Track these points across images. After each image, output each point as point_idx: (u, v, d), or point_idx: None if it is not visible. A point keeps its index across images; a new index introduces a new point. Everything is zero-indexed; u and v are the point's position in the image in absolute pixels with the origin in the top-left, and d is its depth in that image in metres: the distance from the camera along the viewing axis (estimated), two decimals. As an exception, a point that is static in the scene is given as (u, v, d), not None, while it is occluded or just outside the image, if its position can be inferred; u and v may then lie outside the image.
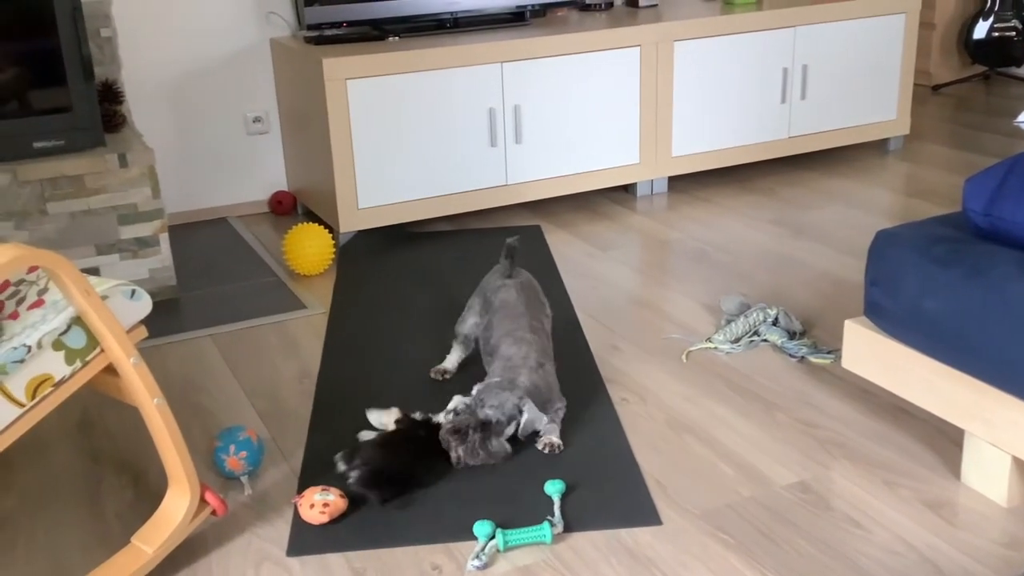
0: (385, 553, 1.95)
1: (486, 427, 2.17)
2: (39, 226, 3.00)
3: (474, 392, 2.26)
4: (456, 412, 2.23)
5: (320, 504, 2.00)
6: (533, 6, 3.94)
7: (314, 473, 2.21)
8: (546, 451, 2.24)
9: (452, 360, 2.61)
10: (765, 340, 2.74)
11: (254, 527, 2.05)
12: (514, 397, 2.22)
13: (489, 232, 3.69)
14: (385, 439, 2.22)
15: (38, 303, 1.83)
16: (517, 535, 1.94)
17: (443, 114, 3.57)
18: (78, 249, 3.05)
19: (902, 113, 4.41)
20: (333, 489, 2.05)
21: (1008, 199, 1.94)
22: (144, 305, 1.88)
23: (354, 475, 2.09)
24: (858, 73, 4.25)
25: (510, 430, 2.21)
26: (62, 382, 1.76)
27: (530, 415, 2.22)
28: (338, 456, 2.19)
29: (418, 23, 3.82)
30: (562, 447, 2.25)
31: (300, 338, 2.91)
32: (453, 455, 2.17)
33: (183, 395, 2.60)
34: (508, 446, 2.20)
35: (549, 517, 2.01)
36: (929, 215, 3.38)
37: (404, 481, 2.10)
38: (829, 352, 2.65)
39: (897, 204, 3.81)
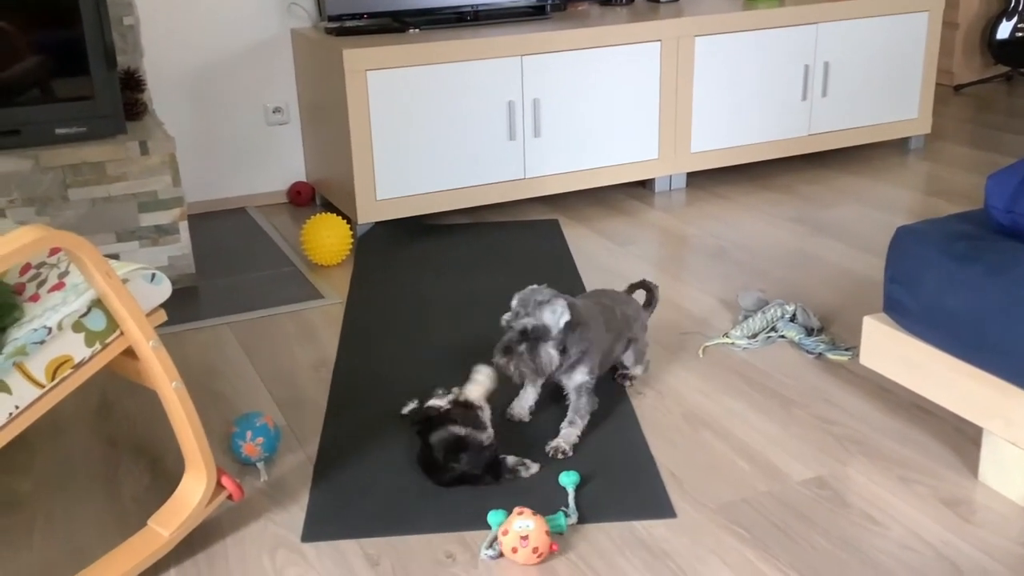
0: (399, 541, 1.95)
1: (526, 335, 2.16)
2: (60, 212, 3.01)
3: (514, 303, 2.23)
4: (504, 326, 2.22)
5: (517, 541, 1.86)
6: (553, 0, 3.93)
7: (330, 461, 2.22)
8: (550, 454, 2.21)
9: None
10: (782, 336, 2.73)
11: (269, 513, 2.06)
12: (547, 300, 2.18)
13: (507, 225, 3.69)
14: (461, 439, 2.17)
15: (59, 286, 1.84)
16: (531, 525, 1.94)
17: (462, 107, 3.57)
18: (98, 236, 3.07)
19: (923, 112, 4.39)
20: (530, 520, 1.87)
21: (1031, 196, 1.93)
22: (164, 289, 1.89)
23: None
24: (880, 71, 4.23)
25: (555, 332, 2.19)
26: (81, 364, 1.77)
27: (561, 312, 2.18)
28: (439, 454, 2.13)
29: (438, 15, 3.82)
30: (568, 453, 2.21)
31: (317, 327, 2.91)
32: (514, 374, 2.19)
33: (201, 382, 2.61)
34: (555, 355, 2.19)
35: (563, 508, 2.00)
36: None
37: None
38: (847, 349, 2.64)
39: (917, 203, 3.79)
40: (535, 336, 2.17)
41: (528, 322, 2.17)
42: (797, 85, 4.07)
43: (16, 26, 2.97)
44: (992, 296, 1.88)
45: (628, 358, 2.50)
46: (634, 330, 2.48)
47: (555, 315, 2.18)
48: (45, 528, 2.03)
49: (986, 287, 1.89)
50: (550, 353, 2.19)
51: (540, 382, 2.37)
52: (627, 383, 2.51)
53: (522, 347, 2.17)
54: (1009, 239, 1.98)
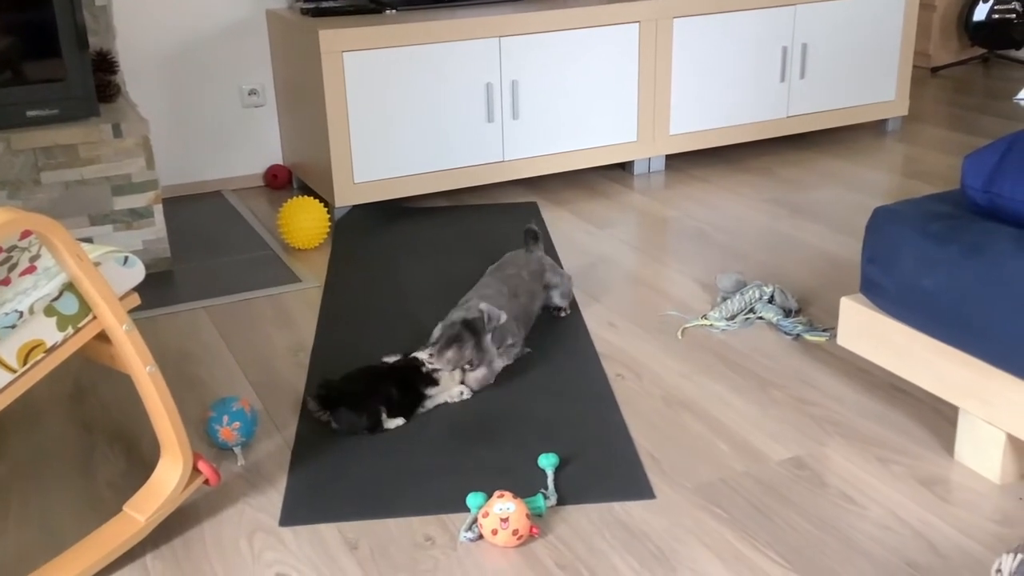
0: (378, 524, 1.94)
1: (471, 326, 2.36)
2: (32, 195, 2.98)
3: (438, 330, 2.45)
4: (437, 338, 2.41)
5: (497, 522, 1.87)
6: (532, -19, 3.91)
7: (308, 445, 2.21)
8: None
9: None
10: (761, 318, 2.73)
11: (247, 497, 2.04)
12: (474, 307, 2.42)
13: (485, 208, 3.68)
14: (352, 375, 2.34)
15: (30, 269, 1.81)
16: (510, 507, 1.94)
17: (440, 89, 3.55)
18: (72, 219, 3.03)
19: (901, 94, 4.40)
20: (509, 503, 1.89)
21: (1007, 176, 1.93)
22: (137, 272, 1.87)
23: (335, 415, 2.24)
24: (857, 53, 4.23)
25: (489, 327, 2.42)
26: (54, 348, 1.74)
27: (488, 310, 2.39)
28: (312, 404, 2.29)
29: (416, -4, 3.79)
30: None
31: (294, 311, 2.89)
32: (461, 363, 2.37)
33: (177, 366, 2.59)
34: (493, 347, 2.42)
35: (543, 490, 2.00)
36: (927, 195, 3.36)
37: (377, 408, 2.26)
38: (824, 330, 2.65)
39: (895, 185, 3.80)
40: (480, 329, 2.37)
41: (467, 315, 2.37)
42: (775, 67, 4.07)
43: (-15, 6, 2.93)
44: (968, 276, 1.88)
45: (555, 298, 2.77)
46: (546, 278, 2.75)
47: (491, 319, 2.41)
48: (20, 513, 2.01)
49: (962, 267, 1.90)
50: (491, 342, 2.41)
51: None
52: (561, 314, 2.79)
53: (469, 338, 2.35)
54: (986, 219, 1.98)
